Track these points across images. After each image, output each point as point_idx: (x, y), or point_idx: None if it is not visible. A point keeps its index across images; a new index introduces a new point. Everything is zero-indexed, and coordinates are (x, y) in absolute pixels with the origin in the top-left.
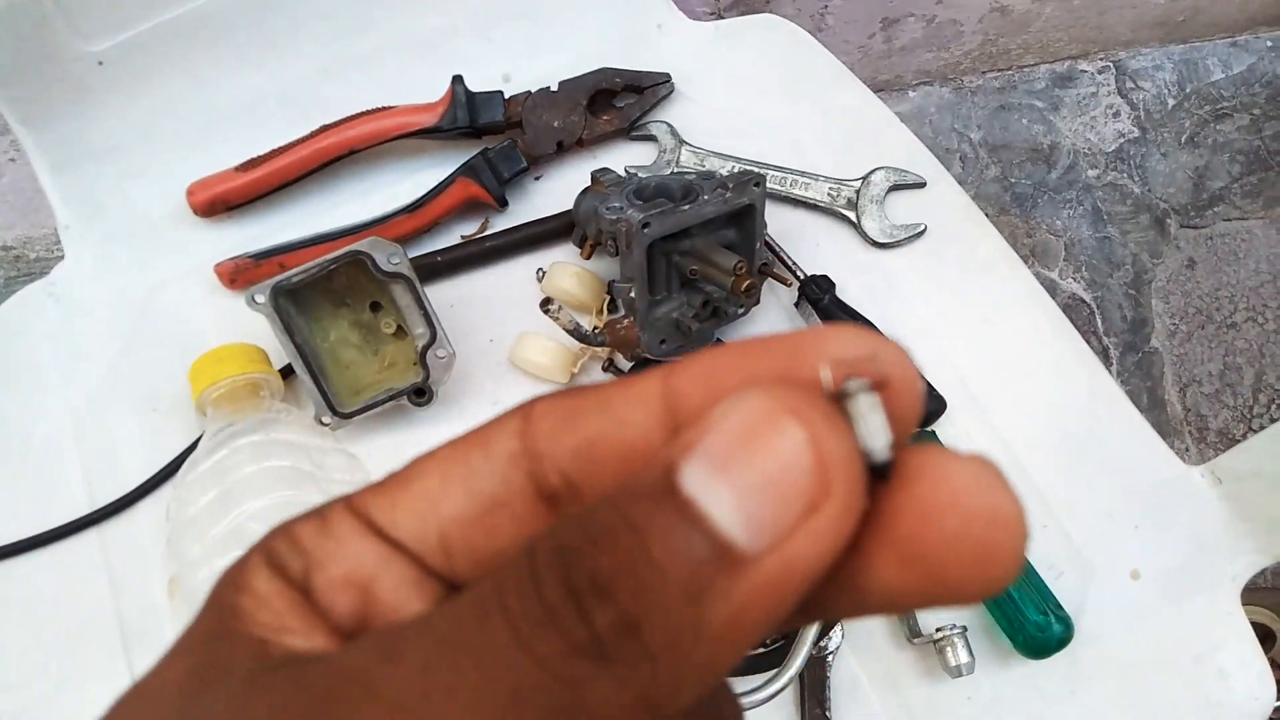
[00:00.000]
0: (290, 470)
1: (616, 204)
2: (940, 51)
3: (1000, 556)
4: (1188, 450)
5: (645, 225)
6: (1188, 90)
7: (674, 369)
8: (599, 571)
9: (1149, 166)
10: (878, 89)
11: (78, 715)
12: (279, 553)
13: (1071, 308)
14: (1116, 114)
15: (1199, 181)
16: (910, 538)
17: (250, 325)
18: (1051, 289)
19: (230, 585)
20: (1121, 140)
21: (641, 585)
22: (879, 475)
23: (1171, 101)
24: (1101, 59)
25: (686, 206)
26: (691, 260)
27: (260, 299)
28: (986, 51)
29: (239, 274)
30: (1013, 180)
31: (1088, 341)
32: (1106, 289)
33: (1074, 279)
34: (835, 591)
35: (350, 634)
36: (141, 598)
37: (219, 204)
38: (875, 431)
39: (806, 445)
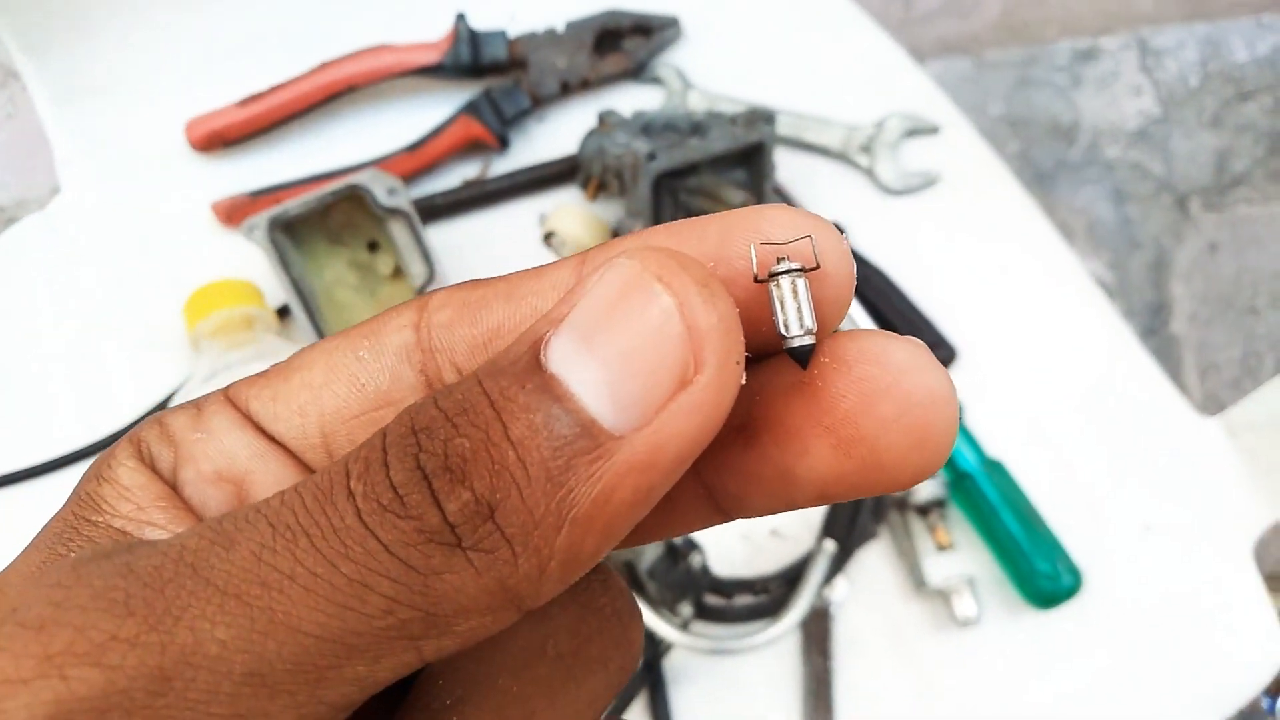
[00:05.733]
0: None
1: (623, 139)
2: (960, 21)
3: (936, 436)
4: None
5: (652, 156)
6: (1211, 70)
7: (591, 254)
8: (452, 452)
9: (1171, 147)
10: None
11: None
12: (148, 443)
13: None
14: (1139, 92)
15: (1221, 163)
16: (848, 420)
17: (246, 264)
18: None
19: (93, 476)
20: (1143, 119)
21: (498, 465)
22: (798, 359)
23: (1194, 81)
24: (1124, 35)
25: (695, 141)
26: (699, 198)
27: (257, 231)
28: (1007, 23)
29: (236, 211)
30: (1033, 157)
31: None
32: (1126, 271)
33: (1094, 260)
34: (760, 486)
35: None
36: None
37: (218, 139)
38: (797, 316)
39: (675, 313)
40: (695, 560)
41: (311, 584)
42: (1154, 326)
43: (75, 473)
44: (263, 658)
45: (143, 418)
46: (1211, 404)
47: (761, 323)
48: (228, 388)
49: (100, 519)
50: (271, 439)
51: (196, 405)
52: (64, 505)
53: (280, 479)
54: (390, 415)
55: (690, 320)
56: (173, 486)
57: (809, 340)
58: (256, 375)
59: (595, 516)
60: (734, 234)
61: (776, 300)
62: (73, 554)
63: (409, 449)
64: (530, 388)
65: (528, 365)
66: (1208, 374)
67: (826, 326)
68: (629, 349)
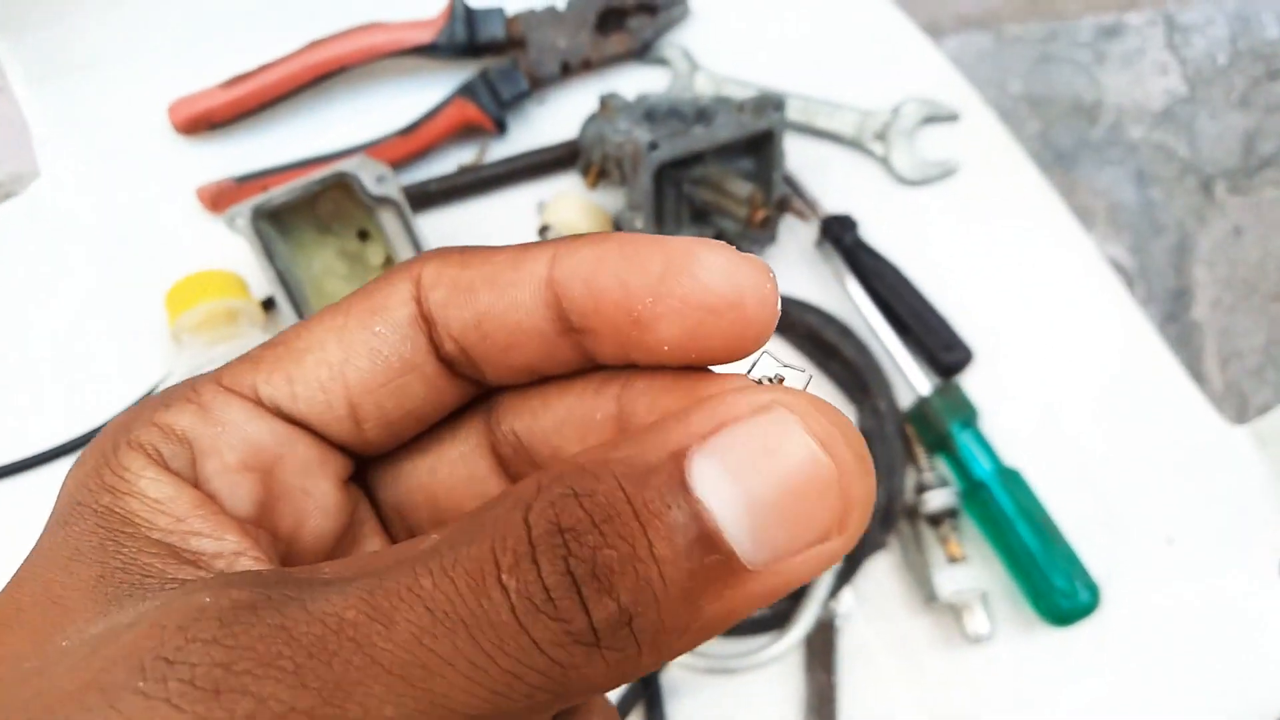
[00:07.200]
0: None
1: (624, 126)
2: None
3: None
4: None
5: (654, 147)
6: (1240, 47)
7: (559, 256)
8: (600, 561)
9: (1197, 127)
10: None
11: None
12: (154, 446)
13: None
14: (1165, 70)
15: (1249, 145)
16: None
17: (232, 252)
18: None
19: (104, 489)
20: (1169, 98)
21: (643, 581)
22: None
23: (1223, 59)
24: (1150, 11)
25: (700, 129)
26: (703, 189)
27: (240, 221)
28: None
29: (221, 197)
30: (1053, 137)
31: None
32: (1148, 255)
33: (1114, 243)
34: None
35: (254, 521)
36: None
37: (202, 122)
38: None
39: (835, 483)
40: None
41: (470, 672)
42: (1175, 312)
43: (59, 469)
44: None
45: (139, 400)
46: (1232, 393)
47: (665, 342)
48: (220, 378)
49: (136, 531)
50: (292, 422)
51: (188, 400)
52: (73, 521)
53: (308, 460)
54: (414, 380)
55: (847, 489)
56: (195, 485)
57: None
58: (249, 363)
59: (713, 628)
60: (673, 271)
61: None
62: (135, 569)
63: (558, 550)
64: (675, 509)
65: (672, 481)
66: (1230, 362)
67: (730, 358)
68: (782, 500)
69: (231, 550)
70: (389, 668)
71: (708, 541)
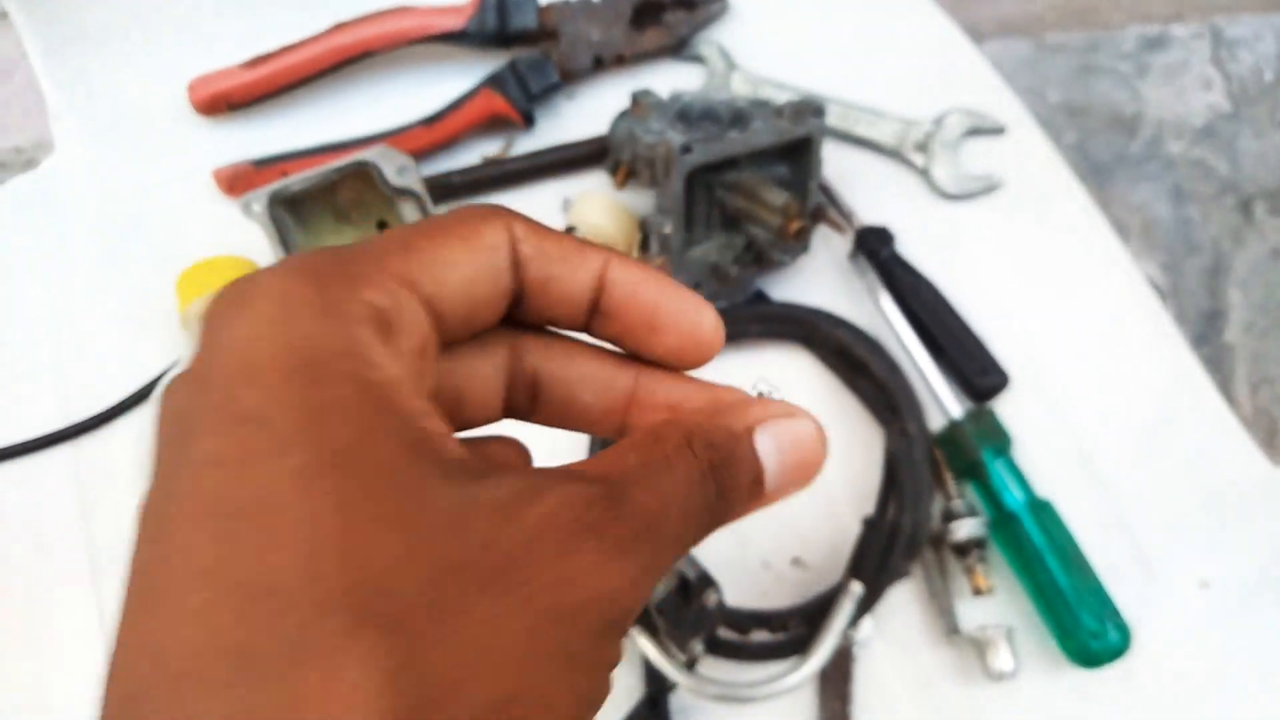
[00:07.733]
0: None
1: (656, 126)
2: (1023, 0)
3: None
4: None
5: (687, 150)
6: None
7: (612, 264)
8: (728, 483)
9: (1238, 145)
10: None
11: (42, 630)
12: (378, 323)
13: None
14: (1209, 85)
15: None
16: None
17: (247, 238)
18: None
19: (342, 355)
20: (1211, 114)
21: (737, 496)
22: None
23: (1269, 76)
24: (1197, 24)
25: (735, 134)
26: (736, 196)
27: (256, 207)
28: (1072, 5)
29: (238, 181)
30: (1090, 149)
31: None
32: (1181, 274)
33: (1148, 261)
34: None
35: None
36: (112, 518)
37: (222, 102)
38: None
39: (822, 460)
40: (710, 599)
41: (692, 539)
42: (1207, 334)
43: (55, 456)
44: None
45: (131, 398)
46: (1261, 418)
47: (663, 345)
48: (384, 264)
49: (391, 404)
50: (433, 310)
51: (373, 283)
52: (324, 384)
53: (427, 340)
54: (501, 301)
55: (821, 464)
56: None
57: None
58: (399, 253)
59: (734, 519)
60: (687, 310)
61: None
62: (457, 466)
63: (713, 475)
64: (748, 459)
65: (747, 443)
66: (1260, 388)
67: (686, 367)
68: (798, 462)
69: (440, 432)
70: (670, 534)
71: (758, 478)
